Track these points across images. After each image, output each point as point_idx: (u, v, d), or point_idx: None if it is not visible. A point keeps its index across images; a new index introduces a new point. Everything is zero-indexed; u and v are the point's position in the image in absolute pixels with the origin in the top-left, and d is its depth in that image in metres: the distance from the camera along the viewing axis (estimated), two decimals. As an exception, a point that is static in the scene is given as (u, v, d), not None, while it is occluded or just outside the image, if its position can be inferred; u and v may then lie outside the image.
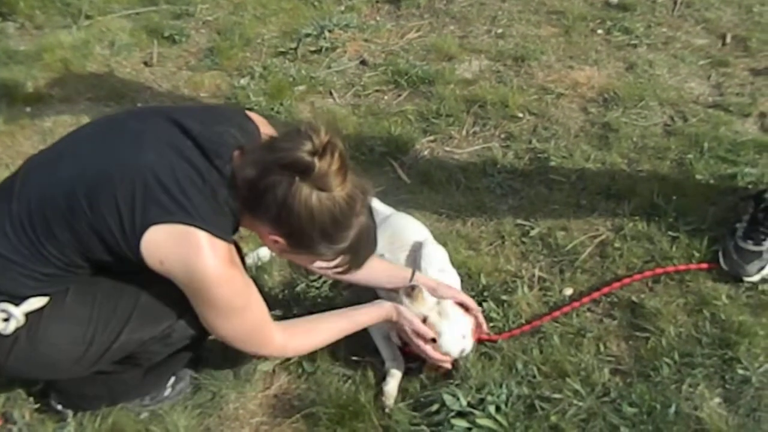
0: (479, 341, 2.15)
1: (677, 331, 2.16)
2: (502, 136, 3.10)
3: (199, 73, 3.71)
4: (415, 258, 2.23)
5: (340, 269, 1.80)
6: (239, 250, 1.90)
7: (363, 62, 3.74)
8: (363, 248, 1.76)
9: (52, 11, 4.25)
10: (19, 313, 1.67)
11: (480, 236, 2.59)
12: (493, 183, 2.83)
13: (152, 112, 1.82)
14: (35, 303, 1.70)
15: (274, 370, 2.16)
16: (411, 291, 1.99)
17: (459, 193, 2.81)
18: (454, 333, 2.01)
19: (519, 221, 2.63)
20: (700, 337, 2.13)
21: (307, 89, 3.53)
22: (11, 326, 1.67)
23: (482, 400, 1.98)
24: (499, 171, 2.88)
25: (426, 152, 3.05)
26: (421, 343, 2.00)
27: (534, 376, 2.07)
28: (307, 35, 3.92)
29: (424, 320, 1.98)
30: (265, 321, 1.87)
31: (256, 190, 1.63)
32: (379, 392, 2.04)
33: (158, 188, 1.61)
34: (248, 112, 1.87)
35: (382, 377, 2.08)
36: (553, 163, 2.88)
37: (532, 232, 2.57)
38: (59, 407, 2.02)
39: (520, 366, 2.10)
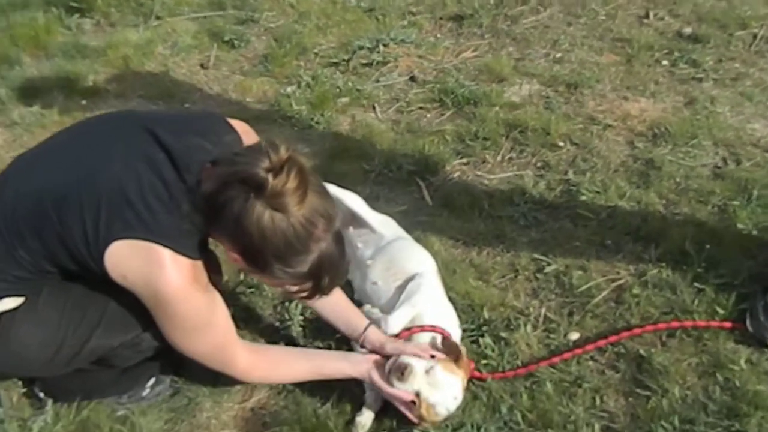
0: (468, 379, 2.03)
1: (683, 393, 1.97)
2: (538, 164, 2.95)
3: (250, 79, 3.74)
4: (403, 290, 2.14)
5: (302, 294, 1.73)
6: (215, 264, 1.88)
7: (412, 78, 3.67)
8: (325, 276, 1.68)
9: (127, 10, 4.39)
10: None
11: (493, 267, 2.46)
12: (517, 213, 2.69)
13: (130, 120, 1.81)
14: (9, 303, 1.72)
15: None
16: (401, 374, 1.87)
17: (480, 219, 2.68)
18: (447, 399, 1.89)
19: (536, 255, 2.48)
20: (706, 403, 1.93)
21: (350, 101, 3.49)
22: None
23: (455, 444, 1.86)
24: (526, 201, 2.74)
25: (456, 175, 2.94)
26: (398, 405, 1.90)
27: (517, 423, 1.93)
28: (362, 48, 3.89)
29: (417, 395, 1.87)
30: (229, 342, 1.83)
31: (215, 205, 1.59)
32: (351, 421, 1.96)
33: (123, 203, 1.60)
34: (231, 121, 1.83)
35: (359, 406, 1.99)
36: (584, 198, 2.71)
37: (548, 269, 2.42)
38: (41, 395, 2.05)
39: (504, 410, 1.97)
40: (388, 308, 2.11)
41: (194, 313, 1.69)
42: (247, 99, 3.60)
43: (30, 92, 3.60)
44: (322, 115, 3.38)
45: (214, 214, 1.60)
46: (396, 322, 2.04)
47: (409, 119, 3.34)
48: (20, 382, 2.10)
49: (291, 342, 2.21)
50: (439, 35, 4.09)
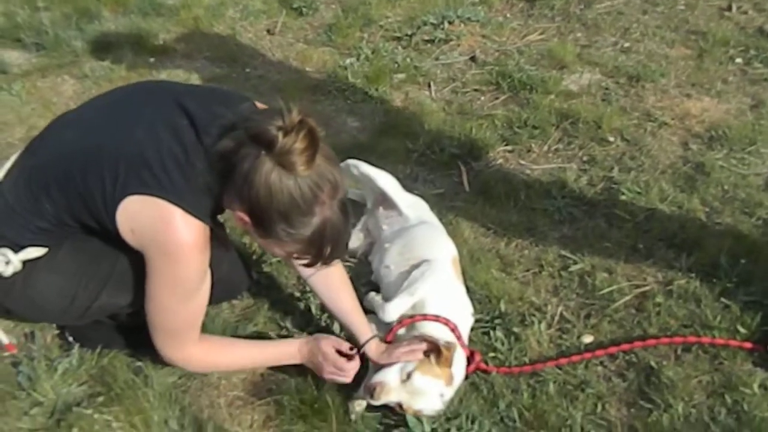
0: (473, 371, 2.04)
1: (687, 410, 1.91)
2: (584, 158, 2.88)
3: (312, 48, 3.80)
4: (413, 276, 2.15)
5: (303, 261, 1.78)
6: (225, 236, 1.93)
7: (473, 58, 3.63)
8: (327, 243, 1.70)
9: (210, -28, 4.52)
10: (16, 259, 1.81)
11: (518, 260, 2.44)
12: (553, 207, 2.64)
13: (161, 89, 1.88)
14: (33, 252, 1.83)
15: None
16: (373, 391, 1.88)
17: (515, 210, 2.65)
18: (432, 401, 1.89)
19: (564, 252, 2.44)
20: (709, 424, 1.87)
21: (406, 78, 3.49)
22: (9, 270, 1.81)
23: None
24: (564, 195, 2.68)
25: (499, 162, 2.91)
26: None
27: (513, 421, 1.93)
28: (426, 23, 3.87)
29: (400, 406, 1.89)
30: (196, 321, 1.87)
31: (228, 163, 1.64)
32: (352, 396, 2.00)
33: (141, 164, 1.67)
34: (257, 103, 1.88)
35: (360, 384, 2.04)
36: (623, 197, 2.63)
37: (573, 267, 2.38)
38: (70, 339, 2.19)
39: (502, 405, 1.96)
40: (391, 294, 2.13)
41: (186, 277, 1.74)
42: (307, 68, 3.66)
43: (103, 46, 3.77)
44: (377, 89, 3.40)
45: (227, 172, 1.65)
46: (393, 310, 2.05)
47: (462, 100, 3.31)
48: (54, 326, 2.25)
49: (308, 312, 2.29)
50: (508, 15, 4.02)
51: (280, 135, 1.55)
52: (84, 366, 2.11)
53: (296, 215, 1.64)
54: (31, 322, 2.19)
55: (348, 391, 2.01)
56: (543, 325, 2.19)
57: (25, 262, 1.83)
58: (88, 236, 1.84)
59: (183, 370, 2.12)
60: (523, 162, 2.90)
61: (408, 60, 3.58)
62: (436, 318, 2.02)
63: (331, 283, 2.10)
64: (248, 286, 2.35)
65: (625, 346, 2.08)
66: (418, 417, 1.89)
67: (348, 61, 3.62)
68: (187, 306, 1.79)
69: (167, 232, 1.67)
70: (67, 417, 1.97)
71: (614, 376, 2.04)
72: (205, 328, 1.95)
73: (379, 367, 1.97)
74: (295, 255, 1.76)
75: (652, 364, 2.04)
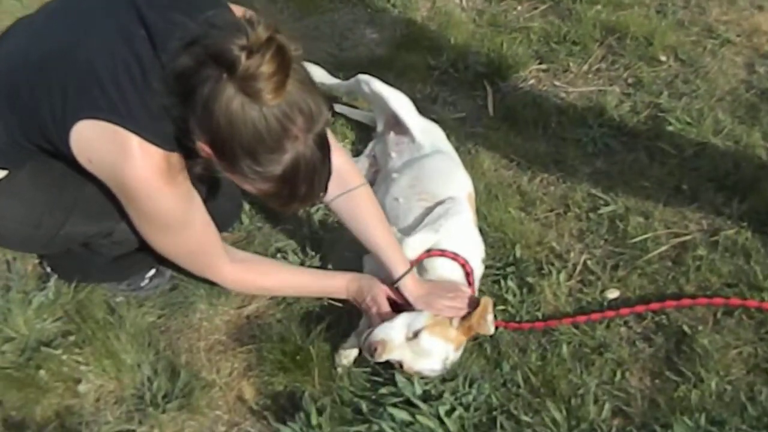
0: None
1: (721, 387, 1.65)
2: (629, 80, 2.52)
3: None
4: (428, 214, 1.89)
5: (276, 202, 1.54)
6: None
7: (513, -38, 3.20)
8: (302, 184, 1.47)
9: None
10: None
11: (541, 198, 2.15)
12: (587, 137, 2.32)
13: None
14: None
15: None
16: (374, 351, 1.65)
17: (543, 139, 2.34)
18: (435, 363, 1.68)
19: (595, 191, 2.14)
20: (746, 405, 1.61)
21: (435, -17, 3.11)
22: None
23: (441, 395, 1.66)
24: (601, 123, 2.35)
25: (530, 82, 2.57)
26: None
27: (518, 386, 1.70)
28: None
29: (401, 366, 1.68)
30: (209, 244, 1.71)
31: (187, 85, 1.40)
32: (339, 348, 1.80)
33: (92, 80, 1.45)
34: (233, 6, 1.59)
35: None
36: (671, 128, 2.28)
37: (603, 209, 2.08)
38: (48, 269, 2.03)
39: (507, 367, 1.74)
40: (408, 230, 1.89)
41: (166, 209, 1.55)
42: (324, -27, 3.31)
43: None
44: (400, -6, 3.04)
45: (186, 96, 1.41)
46: (414, 245, 1.82)
47: (496, 11, 2.93)
48: (35, 255, 2.10)
49: (303, 249, 2.07)
50: None
51: (243, 56, 1.29)
52: (60, 300, 1.96)
53: (263, 152, 1.39)
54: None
55: (335, 342, 1.81)
56: (562, 276, 1.92)
57: (-20, 185, 1.65)
58: (51, 158, 1.64)
59: (162, 309, 1.97)
60: (557, 83, 2.56)
61: (438, -38, 3.19)
62: (455, 257, 1.79)
63: (359, 208, 1.85)
64: (239, 219, 2.16)
65: (655, 305, 1.80)
66: (409, 377, 1.69)
67: (372, -36, 3.26)
68: (183, 234, 1.63)
69: (125, 166, 1.47)
70: (36, 356, 1.84)
71: (639, 340, 1.78)
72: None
73: (377, 321, 1.76)
74: (265, 194, 1.53)
75: (685, 328, 1.77)
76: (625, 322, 1.82)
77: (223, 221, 2.12)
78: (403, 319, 1.70)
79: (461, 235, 1.86)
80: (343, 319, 1.87)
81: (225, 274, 1.77)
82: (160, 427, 1.72)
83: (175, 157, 1.54)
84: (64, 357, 1.84)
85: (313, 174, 1.47)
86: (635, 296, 1.87)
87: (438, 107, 2.50)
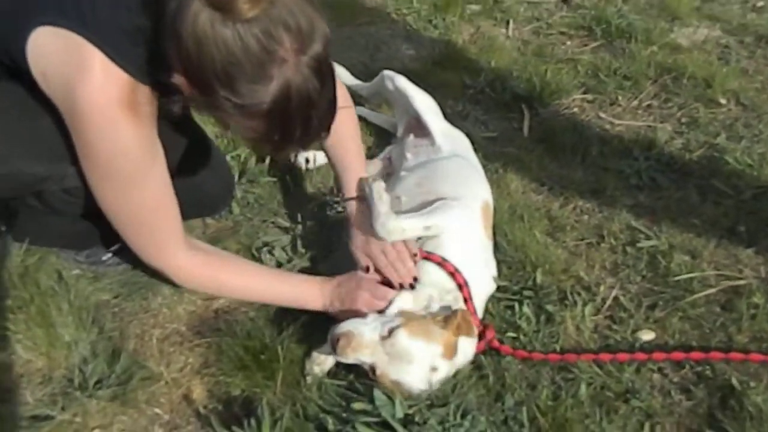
0: (482, 350, 1.50)
1: (777, 455, 1.31)
2: (683, 120, 2.26)
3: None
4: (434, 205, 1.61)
5: (268, 146, 1.28)
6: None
7: (565, 1, 3.03)
8: (295, 121, 1.21)
9: None
10: None
11: (573, 225, 1.87)
12: (632, 168, 2.04)
13: None
14: None
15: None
16: (336, 342, 1.37)
17: (581, 167, 2.07)
18: (418, 373, 1.36)
19: (635, 224, 1.85)
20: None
21: (480, 11, 2.94)
22: None
23: (425, 422, 1.34)
24: (648, 157, 2.08)
25: (572, 110, 2.33)
26: None
27: (521, 425, 1.37)
28: (517, -40, 3.29)
29: (373, 371, 1.37)
30: (165, 217, 1.45)
31: (156, 3, 1.17)
32: (311, 354, 1.50)
33: None
34: None
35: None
36: (728, 167, 2.00)
37: (644, 243, 1.79)
38: (2, 228, 1.78)
39: (510, 402, 1.42)
40: None
41: (114, 149, 1.30)
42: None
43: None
44: (444, 19, 2.87)
45: (157, 14, 1.19)
46: (395, 227, 1.50)
47: (543, 43, 2.74)
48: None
49: (293, 246, 1.80)
50: (618, -36, 3.39)
51: None
52: (6, 261, 1.70)
53: (243, 80, 1.15)
54: None
55: (310, 346, 1.52)
56: (588, 309, 1.61)
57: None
58: (8, 83, 1.42)
59: (120, 288, 1.70)
60: (603, 115, 2.31)
61: (487, -7, 3.04)
62: (442, 262, 1.49)
63: (338, 133, 1.58)
64: (229, 204, 1.90)
65: (698, 355, 1.48)
66: (389, 394, 1.37)
67: (417, -14, 3.11)
68: (130, 194, 1.37)
69: (80, 84, 1.24)
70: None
71: (676, 391, 1.45)
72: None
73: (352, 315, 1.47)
74: (255, 137, 1.28)
75: (734, 383, 1.43)
76: (660, 369, 1.49)
77: (210, 205, 1.88)
78: (375, 316, 1.42)
79: (462, 240, 1.56)
80: (322, 322, 1.55)
81: (177, 261, 1.49)
82: (84, 416, 1.42)
83: (144, 92, 1.31)
84: (-10, 320, 1.58)
85: (308, 108, 1.21)
86: (674, 341, 1.54)
87: (468, 124, 2.26)
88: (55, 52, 1.25)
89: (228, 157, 1.99)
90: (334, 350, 1.38)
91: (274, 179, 2.00)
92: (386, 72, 2.04)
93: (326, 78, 1.21)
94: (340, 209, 1.89)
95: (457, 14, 2.89)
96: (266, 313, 1.64)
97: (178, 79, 1.25)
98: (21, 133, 1.43)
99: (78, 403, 1.44)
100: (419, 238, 1.55)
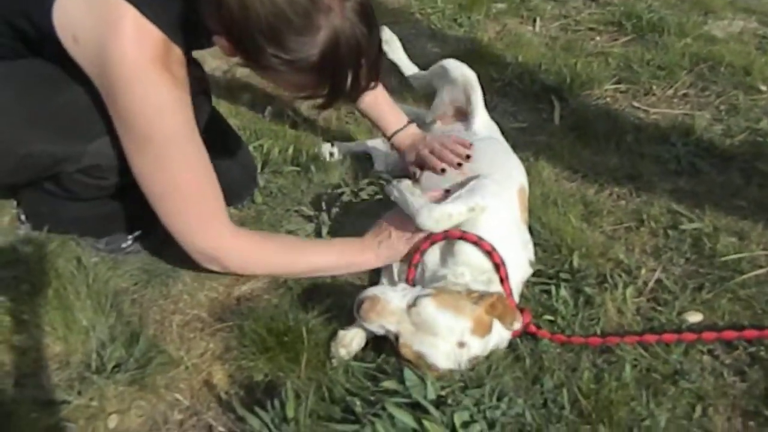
0: (518, 334, 1.42)
1: None
2: (722, 107, 2.17)
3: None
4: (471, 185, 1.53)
5: (320, 98, 1.25)
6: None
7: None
8: (345, 69, 1.19)
9: None
10: None
11: (610, 210, 1.78)
12: (670, 154, 1.96)
13: None
14: None
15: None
16: (359, 305, 1.31)
17: (617, 153, 1.99)
18: (444, 347, 1.28)
19: (676, 207, 1.76)
20: None
21: (507, 9, 2.89)
22: None
23: (459, 403, 1.26)
24: (686, 143, 1.99)
25: (605, 100, 2.25)
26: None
27: (561, 407, 1.28)
28: (544, -39, 3.24)
29: (396, 339, 1.30)
30: (207, 191, 1.40)
31: None
32: (337, 336, 1.43)
33: None
34: None
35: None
36: (772, 150, 1.91)
37: (687, 225, 1.69)
38: (23, 217, 1.75)
39: (549, 384, 1.33)
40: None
41: (151, 108, 1.26)
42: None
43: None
44: (469, 17, 2.82)
45: None
46: (440, 215, 1.42)
47: (571, 38, 2.67)
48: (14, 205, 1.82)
49: (317, 235, 1.74)
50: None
51: None
52: (25, 248, 1.66)
53: (290, 34, 1.13)
54: None
55: (336, 329, 1.44)
56: (630, 291, 1.52)
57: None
58: (28, 64, 1.39)
59: (140, 275, 1.64)
60: (637, 104, 2.23)
61: (513, -10, 2.99)
62: (478, 241, 1.41)
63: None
64: (252, 193, 1.86)
65: (752, 333, 1.38)
66: (418, 372, 1.29)
67: (442, -14, 3.07)
68: (168, 159, 1.31)
69: (113, 43, 1.21)
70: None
71: (729, 372, 1.35)
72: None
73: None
74: (305, 93, 1.26)
75: (794, 363, 1.34)
76: (710, 351, 1.39)
77: (233, 193, 1.83)
78: (409, 287, 1.35)
79: (499, 222, 1.47)
80: (347, 304, 1.46)
81: (223, 240, 1.42)
82: (101, 401, 1.36)
83: (177, 54, 1.28)
84: (10, 304, 1.52)
85: (358, 53, 1.18)
86: (724, 322, 1.45)
87: (496, 115, 2.15)
88: (87, 12, 1.22)
89: (251, 148, 1.95)
90: (357, 314, 1.31)
91: (297, 169, 1.95)
92: (449, 61, 1.94)
93: (372, 23, 1.19)
94: (365, 196, 1.84)
95: (483, 12, 2.84)
96: (290, 299, 1.57)
97: (219, 42, 1.22)
98: (39, 113, 1.39)
99: (95, 387, 1.38)
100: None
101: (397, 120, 1.79)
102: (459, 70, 1.89)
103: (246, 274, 1.57)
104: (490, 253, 1.41)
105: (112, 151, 1.39)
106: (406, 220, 1.46)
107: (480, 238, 1.41)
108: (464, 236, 1.42)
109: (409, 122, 1.81)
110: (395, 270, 1.54)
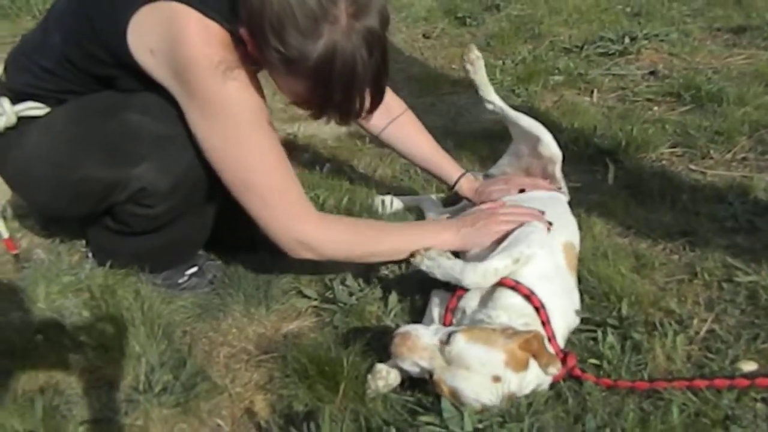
0: (562, 377, 1.39)
1: None
2: (782, 170, 2.14)
3: (461, 49, 3.40)
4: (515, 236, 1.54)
5: (309, 106, 1.35)
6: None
7: (653, 73, 3.00)
8: (336, 84, 1.26)
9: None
10: (11, 111, 1.55)
11: (662, 263, 1.75)
12: (727, 213, 1.92)
13: None
14: (32, 109, 1.57)
15: (307, 309, 1.70)
16: (392, 340, 1.32)
17: (671, 211, 1.97)
18: (478, 381, 1.27)
19: (732, 261, 1.71)
20: None
21: (564, 81, 2.95)
22: (1, 123, 1.55)
23: (496, 438, 1.24)
24: (744, 202, 1.95)
25: (661, 163, 2.25)
26: None
27: (604, 447, 1.24)
28: (603, 38, 3.31)
29: (431, 376, 1.30)
30: (290, 177, 1.47)
31: None
32: (375, 368, 1.42)
33: None
34: None
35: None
36: (835, 211, 1.85)
37: (743, 278, 1.64)
38: (89, 255, 1.85)
39: (592, 424, 1.28)
40: (474, 258, 1.56)
41: (227, 93, 1.34)
42: (452, 65, 3.26)
43: None
44: (526, 89, 2.90)
45: None
46: (485, 269, 1.42)
47: (629, 108, 2.70)
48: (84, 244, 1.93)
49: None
50: (708, 42, 3.35)
51: None
52: (89, 281, 1.75)
53: (293, 30, 1.22)
54: (25, 201, 1.86)
55: (375, 361, 1.45)
56: (680, 338, 1.48)
57: (20, 118, 1.55)
58: (92, 95, 1.52)
59: (193, 309, 1.70)
60: (694, 167, 2.21)
61: (571, 65, 3.05)
62: (516, 285, 1.41)
63: (405, 132, 1.85)
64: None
65: (810, 381, 1.32)
66: (456, 405, 1.28)
67: (501, 61, 3.17)
68: (259, 144, 1.40)
69: (183, 38, 1.32)
70: (38, 322, 1.63)
71: (783, 420, 1.29)
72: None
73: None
74: (300, 99, 1.36)
75: None
76: (764, 399, 1.32)
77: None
78: (442, 327, 1.36)
79: (538, 264, 1.46)
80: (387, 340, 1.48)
81: (311, 225, 1.48)
82: (145, 421, 1.40)
83: (239, 49, 1.37)
84: (69, 329, 1.60)
85: (352, 75, 1.25)
86: (782, 372, 1.38)
87: None
88: (156, 24, 1.35)
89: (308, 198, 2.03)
90: (390, 350, 1.32)
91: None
92: (546, 134, 1.87)
93: (376, 54, 1.26)
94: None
95: (540, 84, 2.91)
96: (335, 336, 1.59)
97: (243, 33, 1.32)
98: (91, 139, 1.52)
99: (141, 409, 1.43)
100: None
101: (456, 168, 1.87)
102: (550, 149, 1.85)
103: (338, 259, 1.59)
104: (528, 297, 1.40)
105: (155, 174, 1.48)
106: (493, 214, 1.58)
107: (518, 282, 1.41)
108: (502, 281, 1.43)
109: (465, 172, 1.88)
110: (435, 315, 1.54)
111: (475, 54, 1.89)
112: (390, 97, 1.76)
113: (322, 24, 1.20)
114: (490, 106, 1.97)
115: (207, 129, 1.39)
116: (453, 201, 2.07)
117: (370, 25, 1.22)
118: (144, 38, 1.35)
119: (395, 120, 1.80)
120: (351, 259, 1.60)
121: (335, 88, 1.26)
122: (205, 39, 1.31)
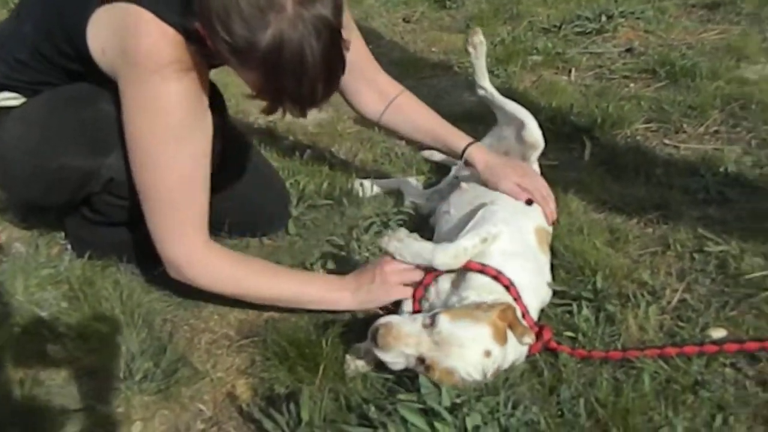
0: (538, 350, 1.42)
1: None
2: (753, 142, 2.16)
3: (445, 33, 3.40)
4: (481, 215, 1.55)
5: (265, 98, 1.32)
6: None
7: (629, 50, 3.01)
8: (285, 75, 1.23)
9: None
10: None
11: (636, 236, 1.78)
12: (699, 185, 1.95)
13: None
14: (8, 99, 1.57)
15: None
16: (376, 332, 1.31)
17: (645, 186, 2.00)
18: (472, 356, 1.29)
19: (704, 232, 1.74)
20: None
21: (543, 61, 2.96)
22: None
23: (469, 411, 1.26)
24: (715, 174, 1.98)
25: (635, 138, 2.27)
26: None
27: (577, 415, 1.27)
28: (580, 17, 3.32)
29: (422, 361, 1.30)
30: (191, 200, 1.46)
31: None
32: (352, 347, 1.45)
33: None
34: None
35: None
36: (804, 180, 1.88)
37: (712, 248, 1.68)
38: (68, 246, 1.86)
39: (566, 393, 1.32)
40: (448, 238, 1.57)
41: (159, 102, 1.35)
42: (432, 49, 3.26)
43: None
44: (505, 70, 2.90)
45: None
46: (455, 250, 1.44)
47: (605, 85, 2.71)
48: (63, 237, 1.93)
49: (350, 267, 1.78)
50: (683, 19, 3.37)
51: None
52: (67, 273, 1.76)
53: (237, 19, 1.20)
54: (2, 190, 1.87)
55: (353, 341, 1.47)
56: (653, 309, 1.51)
57: (-3, 108, 1.55)
58: (67, 86, 1.53)
59: (173, 298, 1.71)
60: (668, 141, 2.24)
61: (549, 45, 3.06)
62: (482, 268, 1.42)
63: (404, 113, 1.79)
64: (286, 223, 1.92)
65: (776, 344, 1.35)
66: (436, 382, 1.29)
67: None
68: (166, 160, 1.40)
69: (132, 38, 1.32)
70: (16, 313, 1.63)
71: (751, 383, 1.32)
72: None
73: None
74: (255, 91, 1.33)
75: (821, 375, 1.29)
76: (732, 363, 1.36)
77: (267, 222, 1.91)
78: (416, 314, 1.39)
79: (505, 243, 1.47)
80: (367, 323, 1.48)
81: (195, 251, 1.47)
82: (127, 408, 1.42)
83: (191, 50, 1.36)
84: (48, 320, 1.61)
85: (302, 65, 1.22)
86: (749, 337, 1.41)
87: None
88: (110, 23, 1.35)
89: (287, 184, 2.04)
90: (375, 344, 1.31)
91: (331, 203, 2.01)
92: (532, 121, 1.89)
93: (327, 44, 1.22)
94: (394, 226, 1.88)
95: (519, 64, 2.92)
96: (315, 320, 1.61)
97: (199, 27, 1.29)
98: (67, 128, 1.53)
99: (122, 397, 1.44)
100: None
101: (463, 137, 1.77)
102: (534, 136, 1.87)
103: (213, 291, 1.57)
104: (496, 277, 1.41)
105: (123, 165, 1.48)
106: (392, 269, 1.48)
107: (484, 265, 1.43)
108: (469, 265, 1.43)
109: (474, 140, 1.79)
110: (405, 308, 1.55)
111: (479, 39, 1.90)
112: (385, 81, 1.76)
113: (268, 13, 1.18)
114: (481, 92, 2.01)
115: (132, 117, 1.39)
116: (432, 183, 2.10)
117: (319, 12, 1.20)
118: (99, 38, 1.36)
119: (392, 103, 1.76)
120: (228, 295, 1.58)
121: (286, 78, 1.24)
122: (154, 41, 1.30)
